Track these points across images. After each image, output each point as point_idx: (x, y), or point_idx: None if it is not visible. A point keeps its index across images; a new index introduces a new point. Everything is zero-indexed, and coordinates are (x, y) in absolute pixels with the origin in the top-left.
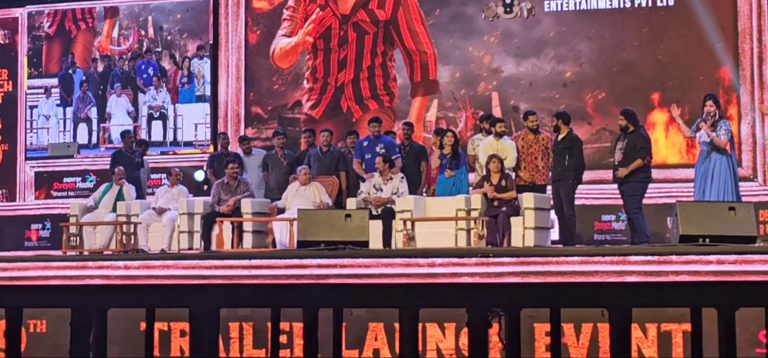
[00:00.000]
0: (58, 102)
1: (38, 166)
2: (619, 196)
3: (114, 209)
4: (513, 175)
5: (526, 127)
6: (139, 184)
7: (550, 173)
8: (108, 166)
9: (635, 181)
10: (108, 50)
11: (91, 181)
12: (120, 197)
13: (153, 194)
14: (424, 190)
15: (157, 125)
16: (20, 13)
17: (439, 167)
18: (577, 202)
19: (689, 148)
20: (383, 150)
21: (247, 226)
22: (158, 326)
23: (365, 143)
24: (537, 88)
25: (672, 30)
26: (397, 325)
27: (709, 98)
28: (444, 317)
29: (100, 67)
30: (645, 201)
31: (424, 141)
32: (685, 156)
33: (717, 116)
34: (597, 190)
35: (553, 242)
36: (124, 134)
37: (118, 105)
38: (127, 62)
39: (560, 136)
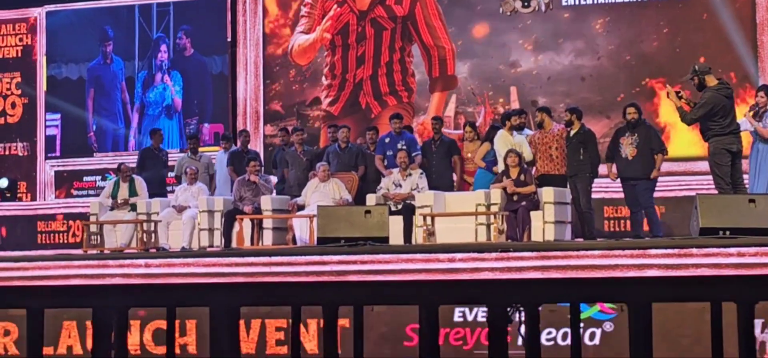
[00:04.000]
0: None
1: (58, 166)
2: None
3: (133, 208)
4: (531, 169)
5: (535, 122)
6: (164, 182)
7: (566, 169)
8: (133, 164)
9: (651, 175)
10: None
11: (110, 179)
12: (132, 191)
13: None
14: (457, 182)
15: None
16: (38, 12)
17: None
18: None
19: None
20: (404, 146)
21: (267, 223)
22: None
23: (387, 140)
24: (555, 82)
25: (690, 22)
26: (88, 323)
27: (762, 89)
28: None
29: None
30: (663, 194)
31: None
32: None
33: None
34: (616, 184)
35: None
36: (154, 132)
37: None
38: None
39: (573, 131)
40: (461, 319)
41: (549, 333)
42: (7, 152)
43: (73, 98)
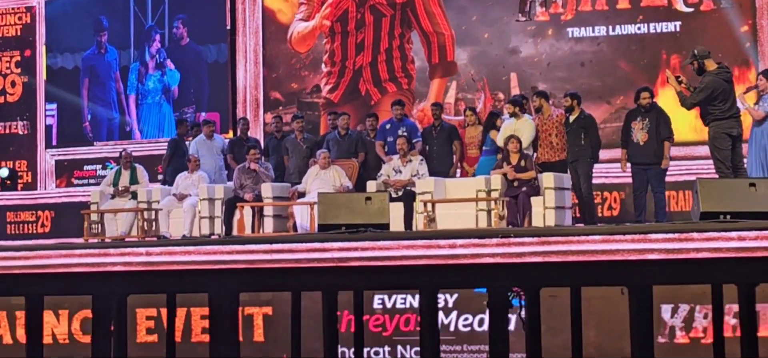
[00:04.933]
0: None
1: (58, 155)
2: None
3: (134, 196)
4: (532, 155)
5: (533, 107)
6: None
7: (567, 154)
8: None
9: (662, 165)
10: None
11: (111, 168)
12: (133, 179)
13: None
14: (458, 169)
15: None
16: (37, 1)
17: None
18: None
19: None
20: (405, 133)
21: (268, 210)
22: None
23: (388, 126)
24: (555, 68)
25: (689, 5)
26: (19, 313)
27: (762, 73)
28: (58, 304)
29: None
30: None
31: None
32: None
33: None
34: (616, 168)
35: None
36: (181, 122)
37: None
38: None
39: (573, 117)
40: (380, 306)
41: (466, 319)
42: (7, 131)
43: (69, 88)
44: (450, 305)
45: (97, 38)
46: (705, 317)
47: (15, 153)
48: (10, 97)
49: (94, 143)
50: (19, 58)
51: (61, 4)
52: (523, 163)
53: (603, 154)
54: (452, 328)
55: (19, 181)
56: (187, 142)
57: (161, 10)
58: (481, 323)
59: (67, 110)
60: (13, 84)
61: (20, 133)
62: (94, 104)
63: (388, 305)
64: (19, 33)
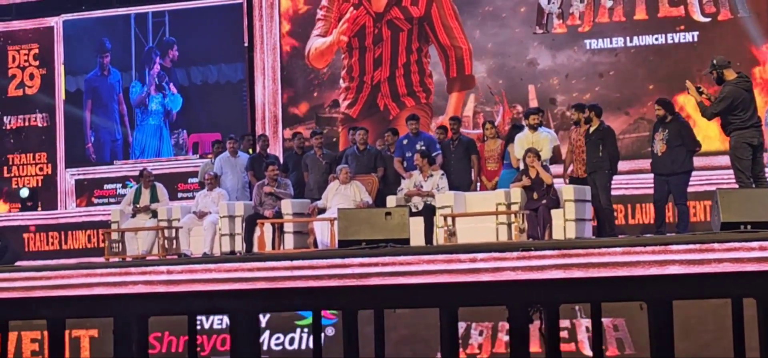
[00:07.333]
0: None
1: (79, 174)
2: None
3: (154, 215)
4: (550, 168)
5: (572, 121)
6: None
7: (585, 166)
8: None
9: (685, 171)
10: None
11: (131, 187)
12: (154, 197)
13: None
14: (477, 183)
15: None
16: (55, 21)
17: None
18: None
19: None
20: (423, 147)
21: (288, 227)
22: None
23: (405, 141)
24: (573, 80)
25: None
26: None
27: None
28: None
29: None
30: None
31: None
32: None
33: None
34: (636, 180)
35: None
36: (261, 137)
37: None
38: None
39: (592, 128)
40: (199, 326)
41: (277, 338)
42: (26, 124)
43: (71, 109)
44: (263, 324)
45: (99, 60)
46: (480, 334)
47: (35, 145)
48: (28, 90)
49: (114, 162)
50: (37, 51)
51: (63, 26)
52: (542, 175)
53: (622, 165)
54: (266, 347)
55: (39, 173)
56: (209, 160)
57: (161, 32)
58: (291, 341)
59: (70, 131)
60: (31, 76)
61: (40, 125)
62: (96, 125)
63: (206, 325)
64: (37, 27)
